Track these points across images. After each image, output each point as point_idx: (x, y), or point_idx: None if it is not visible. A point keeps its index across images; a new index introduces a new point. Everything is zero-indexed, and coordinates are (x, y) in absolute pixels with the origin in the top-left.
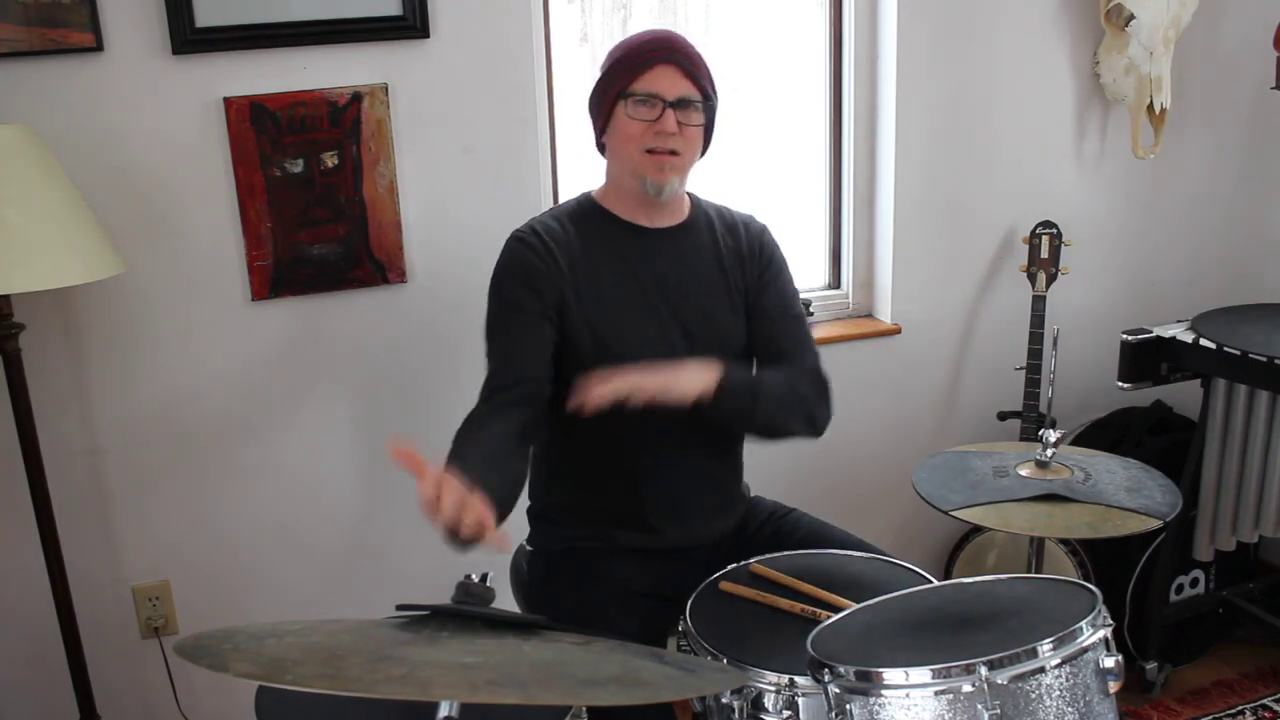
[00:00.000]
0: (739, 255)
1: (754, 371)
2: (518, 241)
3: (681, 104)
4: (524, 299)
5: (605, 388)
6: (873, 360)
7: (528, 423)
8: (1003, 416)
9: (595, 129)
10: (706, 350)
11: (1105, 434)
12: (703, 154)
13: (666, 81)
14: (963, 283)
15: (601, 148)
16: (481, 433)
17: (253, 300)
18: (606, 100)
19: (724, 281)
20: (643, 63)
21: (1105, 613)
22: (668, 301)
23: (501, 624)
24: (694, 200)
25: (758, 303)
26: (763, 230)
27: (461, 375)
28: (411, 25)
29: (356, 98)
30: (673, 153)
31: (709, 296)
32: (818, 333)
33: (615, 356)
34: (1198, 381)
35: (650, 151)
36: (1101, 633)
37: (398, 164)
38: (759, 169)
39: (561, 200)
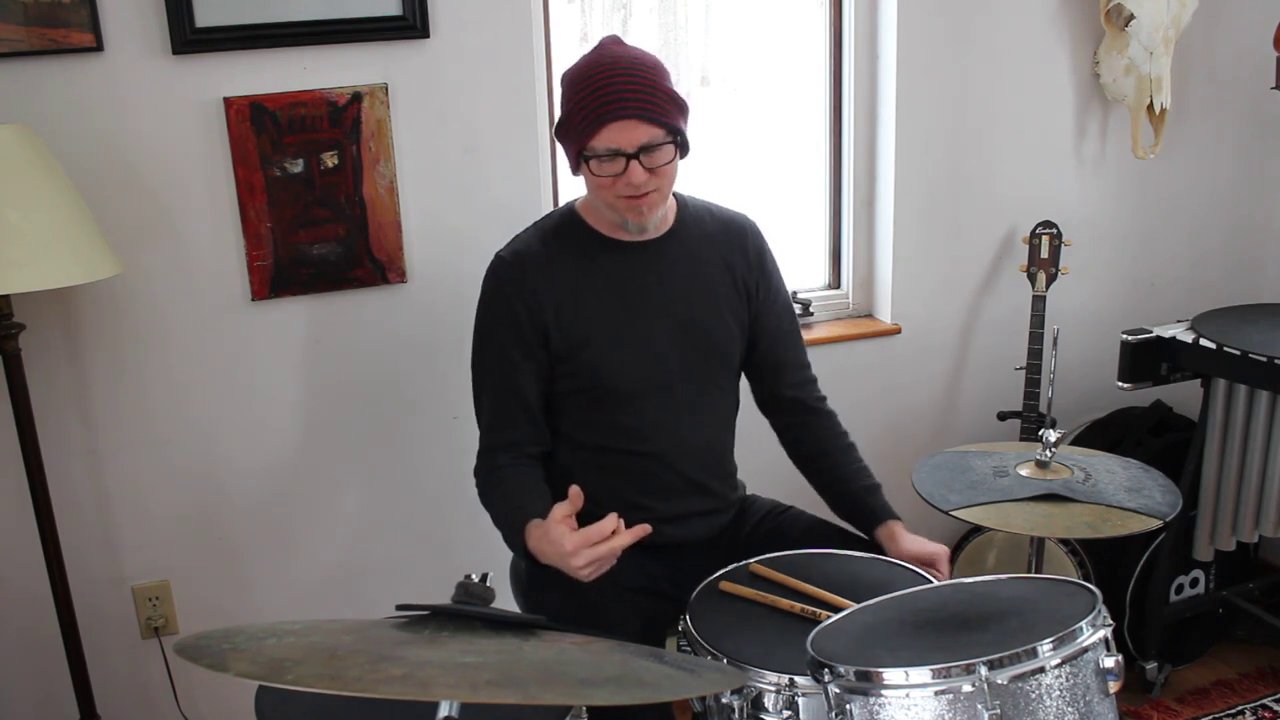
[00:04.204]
0: (733, 261)
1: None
2: (497, 270)
3: (645, 149)
4: (508, 342)
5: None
6: (873, 360)
7: (540, 466)
8: (1003, 416)
9: (568, 160)
10: (700, 361)
11: (1105, 434)
12: (685, 156)
13: (623, 136)
14: (963, 283)
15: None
16: (517, 482)
17: (253, 300)
18: (570, 151)
19: (717, 288)
20: (593, 122)
21: (1105, 613)
22: (656, 316)
23: (501, 624)
24: (681, 202)
25: (757, 319)
26: (757, 232)
27: (461, 375)
28: (411, 25)
29: (356, 98)
30: (648, 193)
31: (699, 307)
32: (818, 333)
33: (605, 375)
34: (1198, 381)
35: (625, 196)
36: (1101, 633)
37: (398, 164)
38: (758, 168)
39: (562, 201)
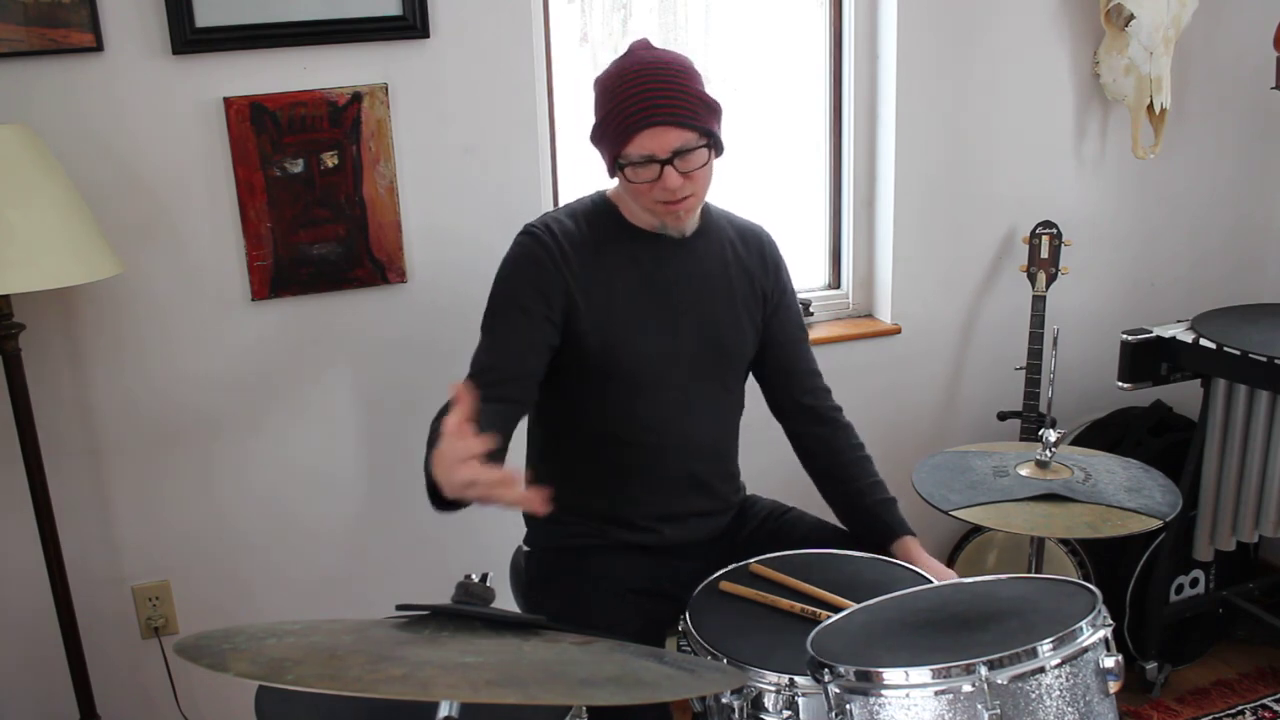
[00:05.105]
0: (751, 267)
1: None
2: (531, 237)
3: (679, 154)
4: (529, 299)
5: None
6: (873, 360)
7: (508, 418)
8: (1003, 416)
9: (605, 165)
10: (713, 360)
11: (1105, 434)
12: (720, 155)
13: (656, 142)
14: (963, 283)
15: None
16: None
17: (253, 300)
18: (605, 157)
19: (735, 292)
20: (627, 129)
21: (1105, 613)
22: (678, 310)
23: (501, 624)
24: (706, 206)
25: (770, 327)
26: (773, 243)
27: (461, 375)
28: (411, 25)
29: (356, 98)
30: (685, 198)
31: (720, 306)
32: (818, 333)
33: (621, 363)
34: (1198, 381)
35: (662, 202)
36: (1101, 633)
37: (398, 164)
38: (759, 169)
39: (561, 201)
